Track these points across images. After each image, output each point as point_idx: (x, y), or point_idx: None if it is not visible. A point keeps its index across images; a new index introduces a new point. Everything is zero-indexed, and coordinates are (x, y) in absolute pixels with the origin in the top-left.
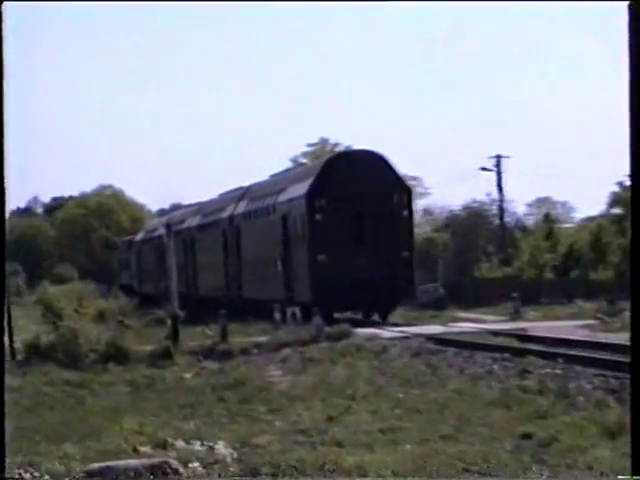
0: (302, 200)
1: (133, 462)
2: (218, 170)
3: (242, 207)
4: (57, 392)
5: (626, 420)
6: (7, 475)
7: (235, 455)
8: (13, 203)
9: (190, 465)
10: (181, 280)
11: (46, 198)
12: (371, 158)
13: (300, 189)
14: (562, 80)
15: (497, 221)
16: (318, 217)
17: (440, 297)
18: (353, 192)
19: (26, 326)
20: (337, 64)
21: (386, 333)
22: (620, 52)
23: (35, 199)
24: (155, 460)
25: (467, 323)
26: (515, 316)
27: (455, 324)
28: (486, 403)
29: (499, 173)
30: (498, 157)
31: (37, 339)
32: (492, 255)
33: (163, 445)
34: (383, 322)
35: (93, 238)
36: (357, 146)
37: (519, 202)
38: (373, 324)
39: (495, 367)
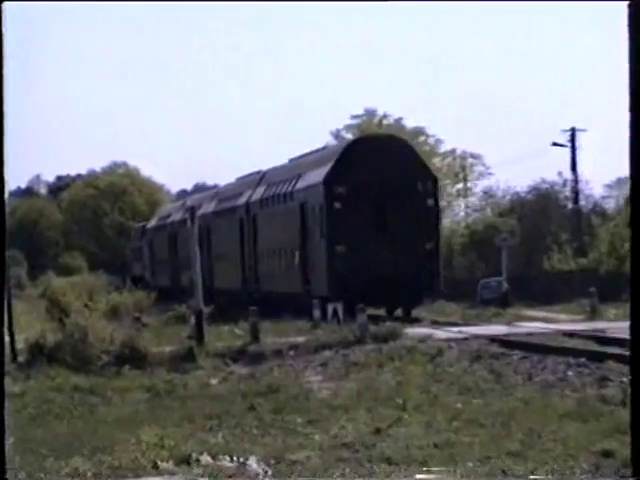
0: (320, 187)
1: None
2: (250, 146)
3: (259, 193)
4: (65, 399)
5: None
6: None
7: (269, 472)
8: (12, 183)
9: None
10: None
11: (50, 177)
12: (394, 143)
13: (318, 175)
14: None
15: (570, 205)
16: (337, 205)
17: (504, 292)
18: (374, 179)
19: (29, 323)
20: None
21: (441, 333)
22: None
23: (37, 178)
24: (178, 477)
25: (536, 323)
26: (592, 315)
27: (522, 324)
28: (559, 415)
29: (573, 149)
30: (572, 130)
31: (41, 338)
32: (565, 244)
33: (187, 460)
34: (411, 319)
35: (104, 223)
36: (407, 120)
37: (596, 183)
38: (424, 323)
39: (569, 373)
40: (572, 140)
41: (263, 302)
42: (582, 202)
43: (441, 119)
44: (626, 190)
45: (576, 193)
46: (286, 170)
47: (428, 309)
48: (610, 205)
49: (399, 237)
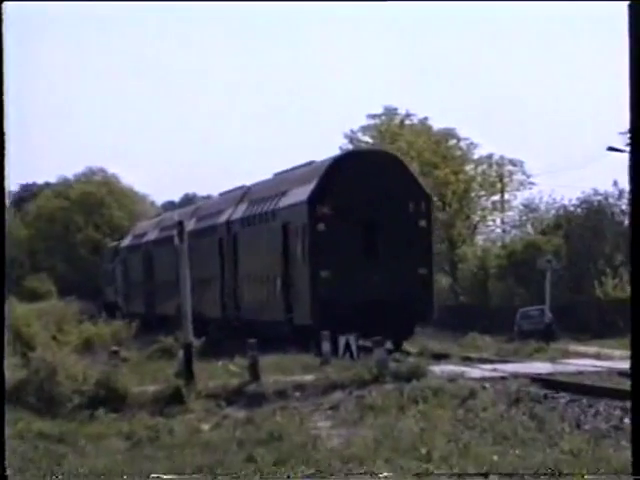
0: (303, 206)
1: None
2: (248, 154)
3: (241, 211)
4: (28, 449)
5: None
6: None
7: None
8: None
9: None
10: (172, 297)
11: (13, 185)
12: (384, 159)
13: (301, 193)
14: None
15: (628, 221)
16: (321, 227)
17: (548, 324)
18: (362, 198)
19: None
20: (411, 17)
21: (474, 371)
22: None
23: None
24: None
25: (585, 360)
26: None
27: (569, 360)
28: (613, 470)
29: (634, 154)
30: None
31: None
32: (620, 267)
33: None
34: (438, 355)
35: (77, 240)
36: (434, 121)
37: None
38: (453, 359)
39: (626, 421)
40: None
41: (244, 332)
42: None
43: (475, 120)
44: None
45: None
46: (270, 186)
47: (458, 342)
48: None
49: (389, 261)
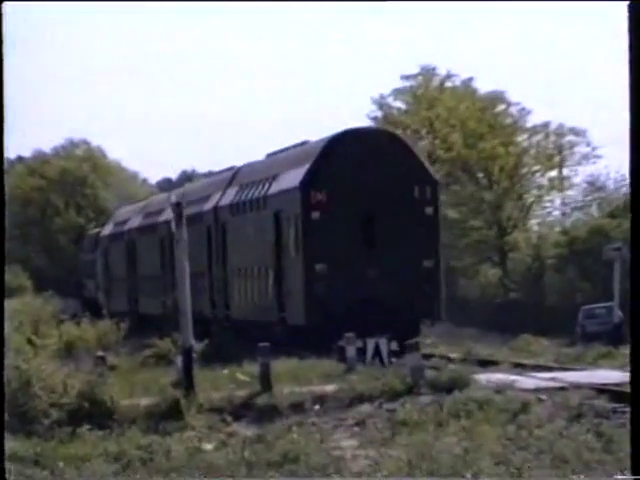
0: (295, 192)
1: None
2: (268, 126)
3: (230, 196)
4: None
5: None
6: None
7: None
8: None
9: None
10: (157, 294)
11: None
12: (387, 139)
13: (294, 178)
14: None
15: None
16: (315, 215)
17: (616, 324)
18: (362, 183)
19: None
20: None
21: (527, 381)
22: None
23: None
24: None
25: None
26: None
27: None
28: None
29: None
30: None
31: None
32: None
33: None
34: (484, 361)
35: (55, 226)
36: (480, 83)
37: None
38: (502, 365)
39: None
40: None
41: (236, 332)
42: None
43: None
44: None
45: None
46: (261, 168)
47: (508, 345)
48: None
49: (391, 253)
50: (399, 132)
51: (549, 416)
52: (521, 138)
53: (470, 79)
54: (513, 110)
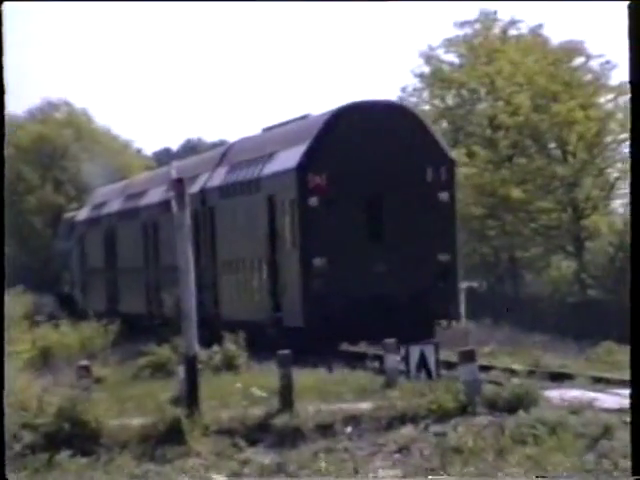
0: (291, 175)
1: None
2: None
3: (220, 177)
4: None
5: None
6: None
7: None
8: None
9: None
10: (139, 291)
11: None
12: (396, 114)
13: (290, 158)
14: None
15: None
16: (314, 201)
17: None
18: (367, 164)
19: None
20: None
21: (609, 399)
22: None
23: None
24: None
25: None
26: None
27: None
28: None
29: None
30: None
31: None
32: None
33: None
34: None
35: (29, 206)
36: (551, 32)
37: None
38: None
39: None
40: None
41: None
42: None
43: (611, 29)
44: None
45: None
46: (255, 145)
47: (586, 355)
48: None
49: (401, 246)
50: (451, 92)
51: None
52: (604, 99)
53: (539, 26)
54: (594, 64)
